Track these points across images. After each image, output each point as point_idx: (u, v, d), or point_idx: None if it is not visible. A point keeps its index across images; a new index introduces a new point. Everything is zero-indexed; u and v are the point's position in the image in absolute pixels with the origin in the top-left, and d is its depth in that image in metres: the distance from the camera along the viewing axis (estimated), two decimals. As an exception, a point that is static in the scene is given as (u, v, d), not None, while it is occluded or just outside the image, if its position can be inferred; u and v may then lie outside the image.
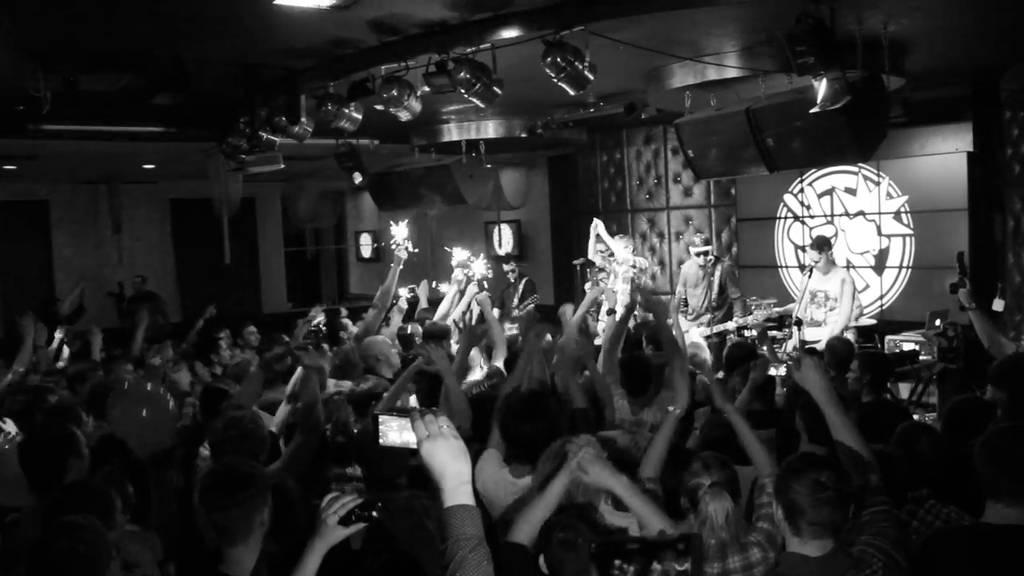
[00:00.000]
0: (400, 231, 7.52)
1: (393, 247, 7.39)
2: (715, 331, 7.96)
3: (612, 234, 8.91)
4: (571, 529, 2.50)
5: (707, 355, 6.51)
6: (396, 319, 7.18)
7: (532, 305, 9.69)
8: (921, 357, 6.75)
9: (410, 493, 3.18)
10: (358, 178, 8.02)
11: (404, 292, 7.60)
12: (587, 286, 8.38)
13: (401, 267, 7.19)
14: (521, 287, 9.94)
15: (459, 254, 7.73)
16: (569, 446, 2.81)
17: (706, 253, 8.37)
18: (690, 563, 1.58)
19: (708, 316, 8.24)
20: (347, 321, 8.14)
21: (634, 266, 8.43)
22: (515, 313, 9.57)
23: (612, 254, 8.62)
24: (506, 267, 10.28)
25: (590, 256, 8.92)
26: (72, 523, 2.51)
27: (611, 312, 5.80)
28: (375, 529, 2.25)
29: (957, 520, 3.12)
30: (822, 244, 7.44)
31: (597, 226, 8.85)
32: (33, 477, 3.34)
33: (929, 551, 2.70)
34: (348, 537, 2.25)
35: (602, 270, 8.76)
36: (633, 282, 8.21)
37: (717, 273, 8.24)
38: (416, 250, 7.30)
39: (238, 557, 2.64)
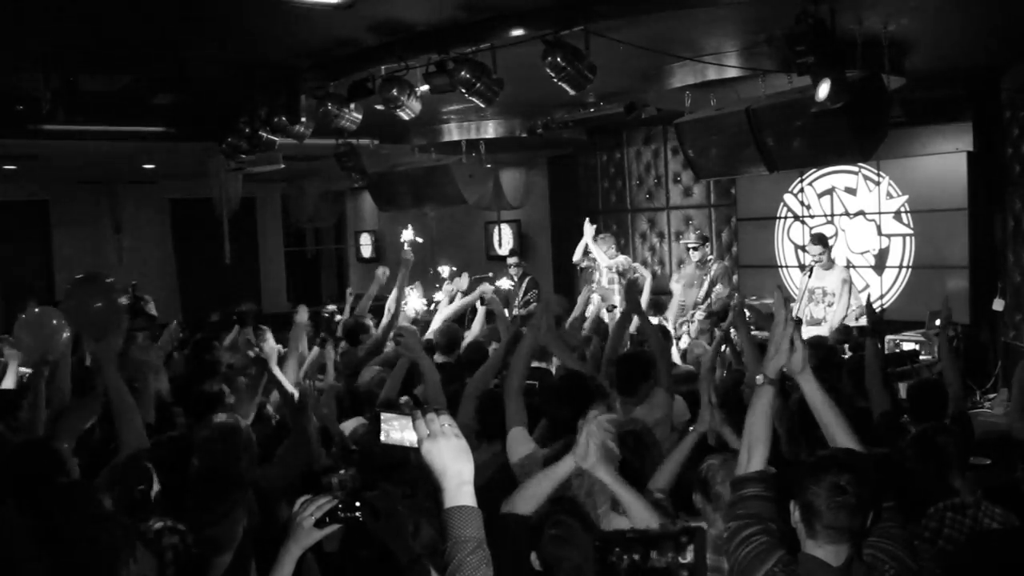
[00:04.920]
0: (407, 234, 7.40)
1: (403, 251, 6.94)
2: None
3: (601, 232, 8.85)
4: (563, 525, 2.41)
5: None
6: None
7: (534, 304, 9.65)
8: (921, 357, 6.75)
9: (387, 488, 3.13)
10: (358, 181, 7.97)
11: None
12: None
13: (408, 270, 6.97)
14: (524, 286, 9.91)
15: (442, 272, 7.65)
16: (582, 423, 2.60)
17: (696, 248, 8.34)
18: (693, 554, 1.58)
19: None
20: (370, 323, 7.82)
21: (618, 270, 8.42)
22: (516, 312, 9.52)
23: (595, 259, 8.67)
24: (509, 261, 10.24)
25: (575, 259, 8.91)
26: (97, 513, 2.41)
27: (611, 308, 5.76)
28: (354, 529, 2.22)
29: (1005, 519, 3.08)
30: (822, 239, 7.47)
31: (589, 230, 8.75)
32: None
33: (972, 554, 2.70)
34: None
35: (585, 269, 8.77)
36: (628, 281, 8.11)
37: (711, 273, 8.23)
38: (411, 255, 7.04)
39: (221, 563, 2.64)
